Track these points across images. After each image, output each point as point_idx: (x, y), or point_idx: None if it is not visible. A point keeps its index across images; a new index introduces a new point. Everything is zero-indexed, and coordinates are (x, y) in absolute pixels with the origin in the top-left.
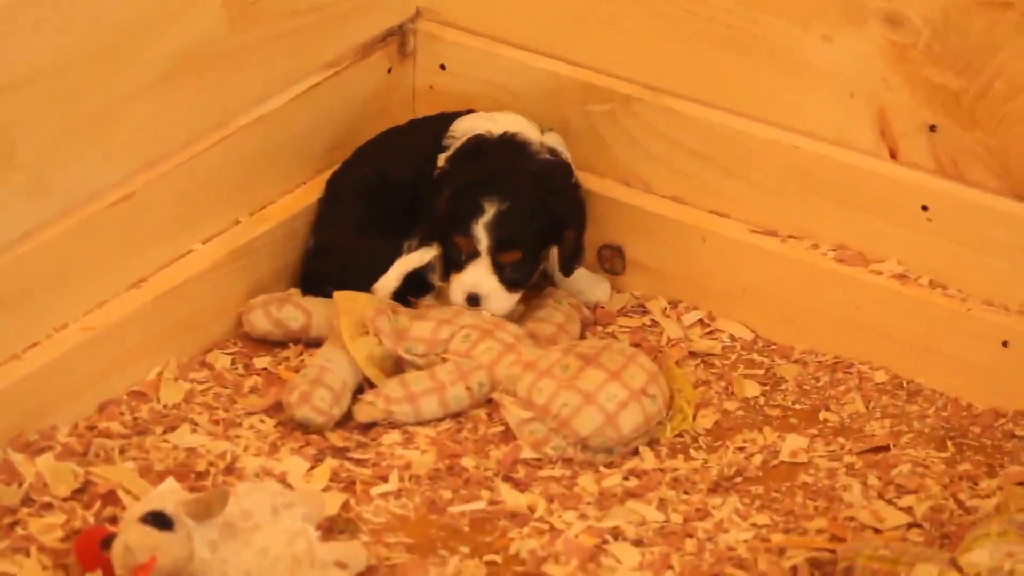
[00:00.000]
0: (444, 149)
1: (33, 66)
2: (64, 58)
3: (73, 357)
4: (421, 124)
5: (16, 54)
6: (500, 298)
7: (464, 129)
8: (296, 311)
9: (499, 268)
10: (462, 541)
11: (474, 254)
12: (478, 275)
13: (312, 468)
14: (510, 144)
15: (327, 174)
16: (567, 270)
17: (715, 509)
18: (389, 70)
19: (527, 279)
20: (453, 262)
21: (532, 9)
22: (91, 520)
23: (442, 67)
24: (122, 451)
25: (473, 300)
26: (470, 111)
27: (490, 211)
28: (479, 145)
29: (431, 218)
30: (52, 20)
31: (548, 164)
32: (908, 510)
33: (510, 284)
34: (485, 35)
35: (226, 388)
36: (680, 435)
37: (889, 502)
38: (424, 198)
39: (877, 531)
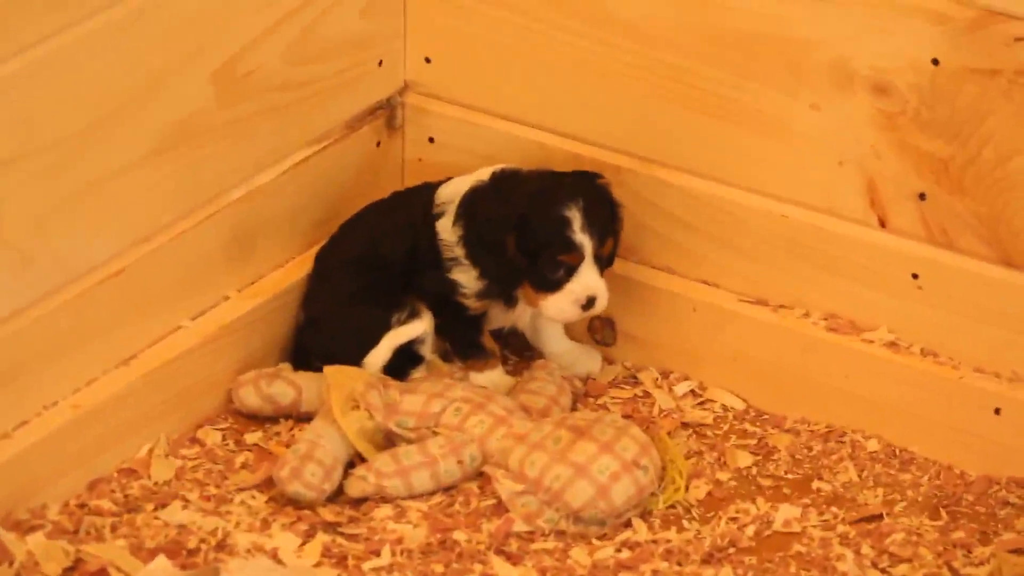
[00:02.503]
0: (437, 218)
1: (23, 140)
2: (54, 133)
3: (63, 435)
4: (405, 196)
5: (6, 128)
6: (606, 291)
7: (450, 194)
8: (286, 386)
9: (599, 262)
10: None
11: (578, 262)
12: (588, 278)
13: (304, 544)
14: (517, 171)
15: (317, 248)
16: (610, 265)
17: None
18: (378, 144)
19: (613, 260)
20: (547, 283)
21: (520, 81)
22: None
23: (431, 140)
24: (113, 529)
25: (590, 304)
26: (449, 179)
27: (577, 215)
28: (499, 185)
29: (496, 272)
30: (42, 95)
31: (576, 171)
32: None
33: (603, 271)
34: (473, 107)
35: (217, 464)
36: (673, 506)
37: (883, 571)
38: (425, 267)
39: None
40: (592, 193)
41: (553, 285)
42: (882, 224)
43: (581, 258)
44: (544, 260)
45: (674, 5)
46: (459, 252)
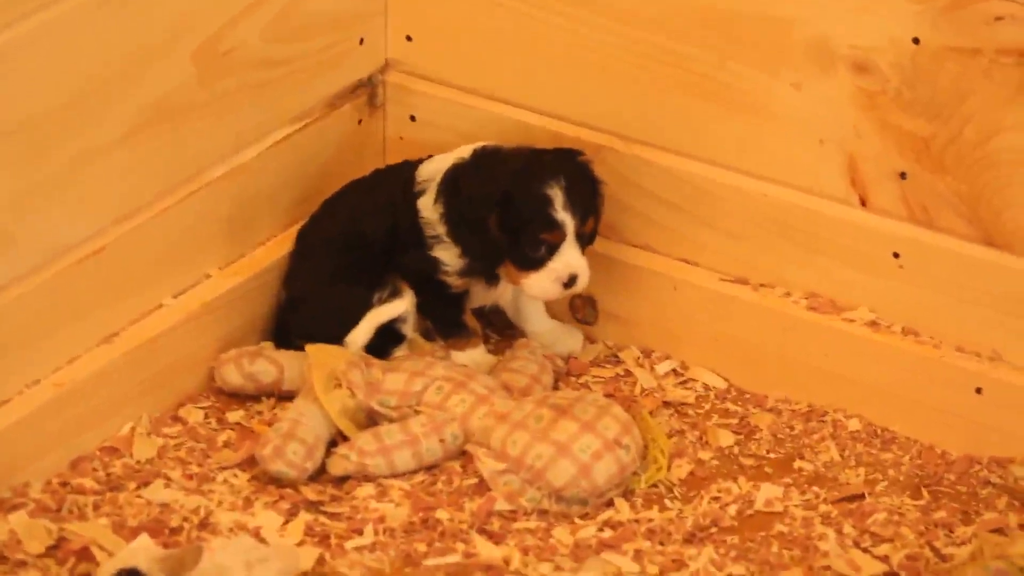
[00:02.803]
0: (418, 196)
1: (1, 120)
2: (33, 112)
3: (45, 413)
4: (386, 174)
5: None
6: (588, 269)
7: (431, 172)
8: (268, 365)
9: (581, 240)
10: None
11: (559, 241)
12: (569, 256)
13: (286, 522)
14: (498, 149)
15: (298, 226)
16: (591, 243)
17: (691, 559)
18: (359, 122)
19: (594, 239)
20: (529, 261)
21: (502, 59)
22: None
23: (412, 118)
24: (95, 507)
25: (571, 282)
26: (430, 156)
27: (559, 194)
28: (480, 162)
29: (477, 250)
30: (21, 75)
31: (560, 148)
32: (884, 558)
33: (584, 250)
34: (455, 86)
35: (199, 443)
36: (655, 485)
37: (865, 550)
38: (407, 245)
39: None
40: (574, 171)
41: (535, 263)
42: (863, 203)
43: (563, 236)
44: (526, 238)
45: None
46: (440, 230)
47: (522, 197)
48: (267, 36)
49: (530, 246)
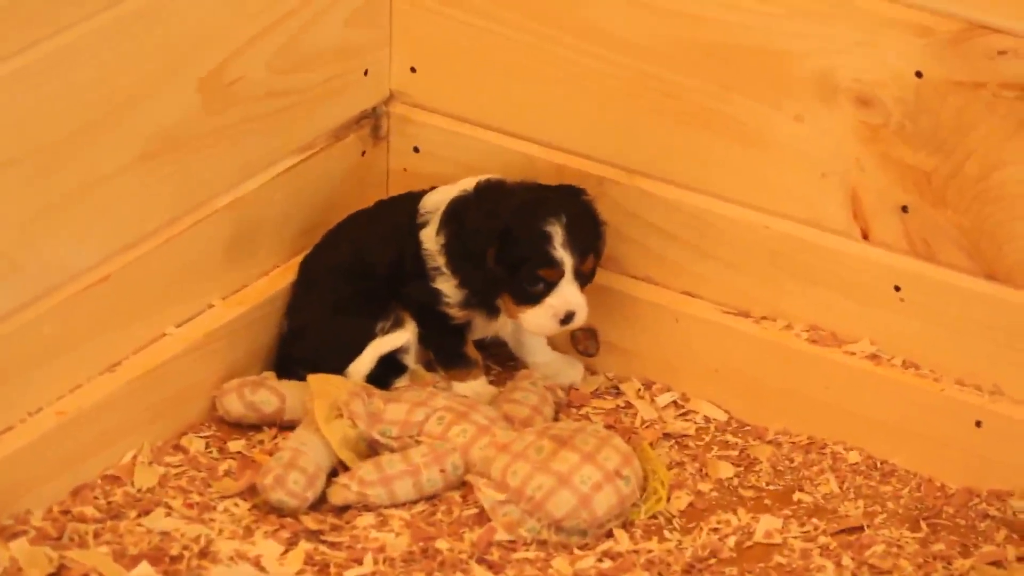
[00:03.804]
0: (421, 227)
1: (9, 147)
2: (40, 139)
3: (47, 441)
4: (389, 205)
5: None
6: (586, 306)
7: (434, 203)
8: (270, 395)
9: (579, 278)
10: None
11: (557, 278)
12: (567, 293)
13: (286, 551)
14: (502, 183)
15: (302, 257)
16: (590, 281)
17: None
18: (363, 153)
19: (594, 277)
20: (527, 296)
21: (505, 91)
22: None
23: (415, 149)
24: (96, 535)
25: (568, 319)
26: (433, 188)
27: (559, 231)
28: (483, 196)
29: (476, 283)
30: (28, 101)
31: (563, 185)
32: None
33: (584, 287)
34: (458, 117)
35: (200, 472)
36: (654, 517)
37: None
38: (409, 276)
39: None
40: (576, 209)
41: (532, 299)
42: (865, 236)
43: (561, 274)
44: (524, 274)
45: (659, 17)
46: (441, 261)
47: (522, 233)
48: (272, 67)
49: (528, 282)
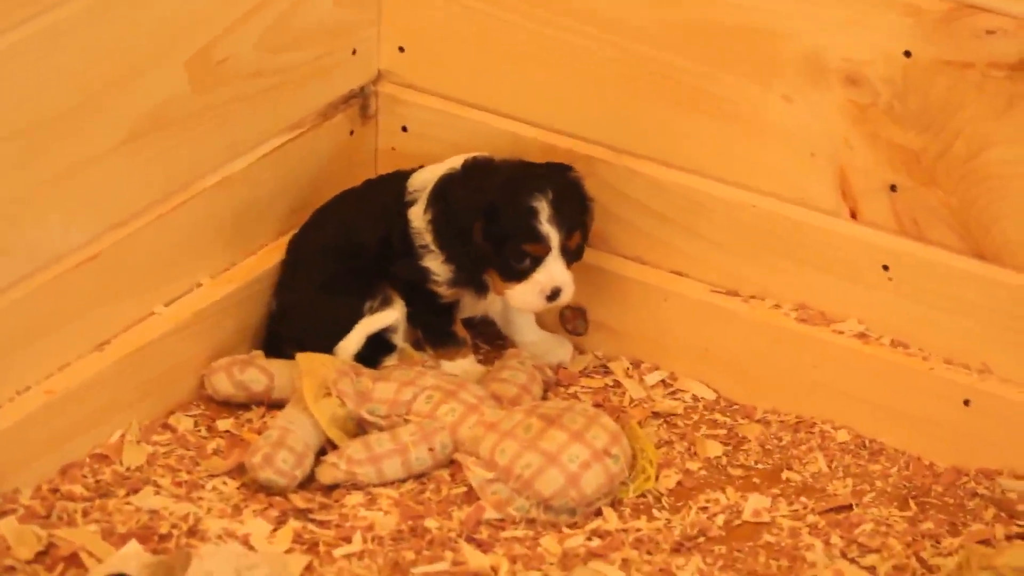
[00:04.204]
0: (409, 206)
1: None
2: (28, 119)
3: (35, 420)
4: (377, 184)
5: None
6: (572, 283)
7: (422, 182)
8: (259, 373)
9: (566, 254)
10: None
11: (543, 253)
12: (553, 270)
13: (275, 530)
14: (489, 160)
15: (290, 236)
16: (578, 258)
17: (679, 569)
18: (351, 132)
19: (582, 253)
20: (513, 272)
21: (493, 71)
22: None
23: (404, 129)
24: (85, 514)
25: (555, 295)
26: (421, 167)
27: (544, 206)
28: (469, 173)
29: (462, 259)
30: (15, 82)
31: (551, 163)
32: (871, 569)
33: (571, 264)
34: (447, 97)
35: (189, 450)
36: (643, 495)
37: (852, 561)
38: (397, 255)
39: None
40: (562, 185)
41: (519, 275)
42: (853, 215)
43: (547, 249)
44: (510, 249)
45: None
46: (429, 239)
47: (507, 208)
48: (261, 46)
49: (514, 257)
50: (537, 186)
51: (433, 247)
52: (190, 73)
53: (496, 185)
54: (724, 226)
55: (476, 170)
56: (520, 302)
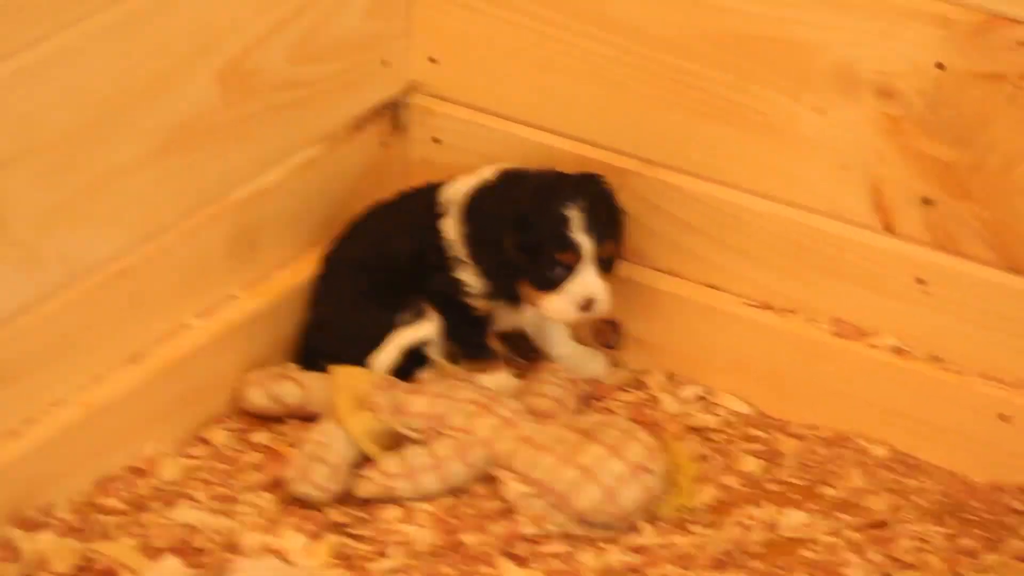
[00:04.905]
0: (441, 218)
1: (28, 139)
2: (59, 131)
3: (71, 433)
4: (410, 196)
5: (11, 127)
6: (607, 293)
7: (455, 193)
8: (293, 386)
9: (600, 264)
10: None
11: (575, 262)
12: (587, 279)
13: (312, 544)
14: (521, 171)
15: (322, 248)
16: (611, 268)
17: None
18: (383, 144)
19: (615, 265)
20: (546, 282)
21: (526, 82)
22: None
23: (436, 140)
24: (121, 527)
25: (587, 305)
26: (453, 178)
27: (576, 215)
28: (501, 184)
29: (495, 270)
30: (47, 93)
31: (584, 173)
32: None
33: (605, 275)
34: (479, 108)
35: (224, 464)
36: (679, 510)
37: None
38: (431, 268)
39: None
40: (594, 194)
41: (552, 284)
42: (887, 228)
43: (579, 258)
44: (542, 258)
45: (679, 8)
46: (462, 251)
47: (539, 217)
48: (292, 57)
49: (547, 267)
50: (569, 195)
51: (466, 259)
52: (221, 84)
53: (527, 194)
54: (758, 239)
55: (508, 180)
56: (554, 313)
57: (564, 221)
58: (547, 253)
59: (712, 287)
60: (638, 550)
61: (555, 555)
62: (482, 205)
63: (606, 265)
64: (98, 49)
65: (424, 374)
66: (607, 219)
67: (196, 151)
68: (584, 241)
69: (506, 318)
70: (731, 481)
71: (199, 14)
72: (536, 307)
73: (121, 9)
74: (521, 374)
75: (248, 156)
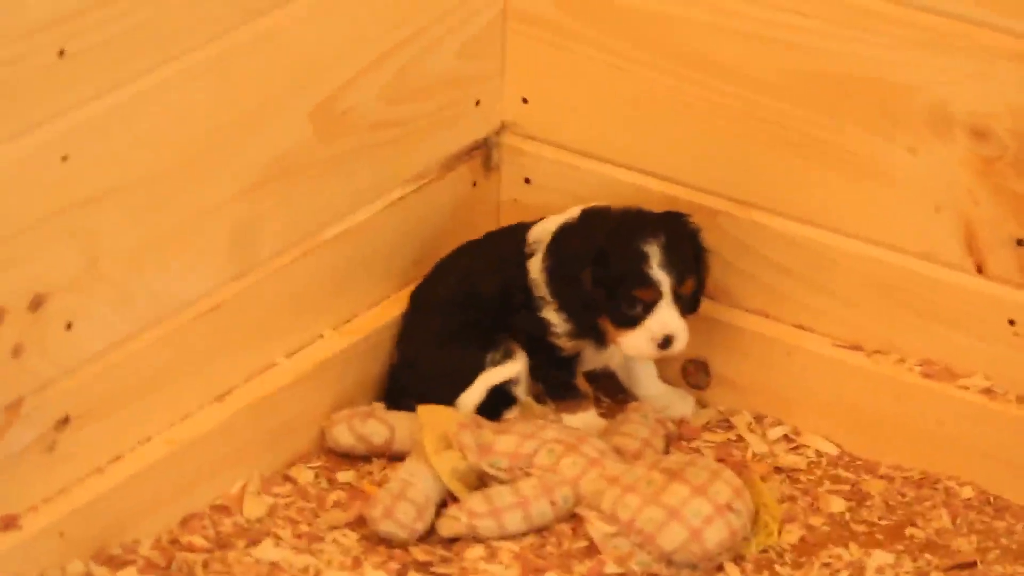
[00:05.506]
0: (528, 257)
1: (122, 175)
2: (151, 168)
3: (156, 470)
4: (499, 235)
5: (103, 164)
6: (686, 331)
7: (542, 233)
8: (380, 425)
9: (679, 301)
10: None
11: (654, 299)
12: (665, 316)
13: None
14: (604, 209)
15: (412, 287)
16: (694, 307)
17: None
18: (474, 184)
19: (697, 304)
20: (625, 319)
21: (617, 122)
22: None
23: (527, 181)
24: (205, 565)
25: (667, 343)
26: (542, 218)
27: (657, 251)
28: (583, 221)
29: (575, 307)
30: (140, 130)
31: (668, 211)
32: None
33: (685, 313)
34: (570, 148)
35: (309, 502)
36: (765, 551)
37: None
38: (518, 307)
39: None
40: (675, 231)
41: (630, 321)
42: (979, 270)
43: (658, 295)
44: (621, 295)
45: (771, 48)
46: (546, 290)
47: (617, 253)
48: (385, 97)
49: (625, 303)
50: (648, 231)
51: (549, 297)
52: (314, 123)
53: (607, 231)
54: (848, 280)
55: (590, 218)
56: (632, 349)
57: (643, 258)
58: (625, 289)
59: (801, 327)
60: None
61: None
62: (563, 242)
63: (687, 303)
64: (192, 86)
65: (511, 414)
66: (688, 257)
67: (288, 189)
68: (663, 278)
69: (593, 358)
70: (817, 522)
71: (294, 53)
72: (615, 344)
73: (214, 48)
74: (607, 414)
75: (340, 195)
